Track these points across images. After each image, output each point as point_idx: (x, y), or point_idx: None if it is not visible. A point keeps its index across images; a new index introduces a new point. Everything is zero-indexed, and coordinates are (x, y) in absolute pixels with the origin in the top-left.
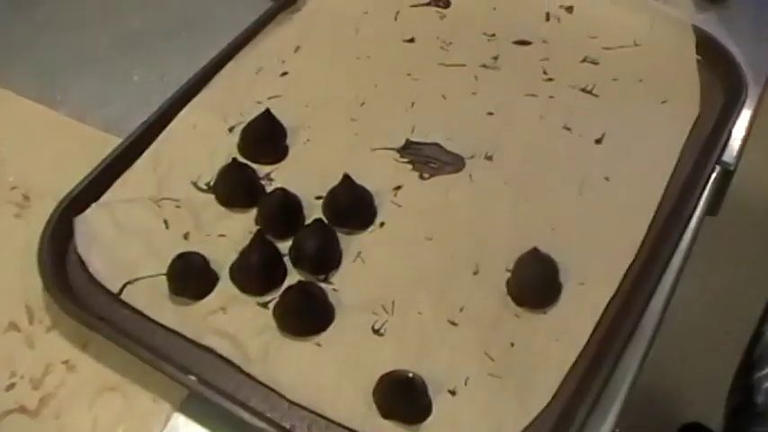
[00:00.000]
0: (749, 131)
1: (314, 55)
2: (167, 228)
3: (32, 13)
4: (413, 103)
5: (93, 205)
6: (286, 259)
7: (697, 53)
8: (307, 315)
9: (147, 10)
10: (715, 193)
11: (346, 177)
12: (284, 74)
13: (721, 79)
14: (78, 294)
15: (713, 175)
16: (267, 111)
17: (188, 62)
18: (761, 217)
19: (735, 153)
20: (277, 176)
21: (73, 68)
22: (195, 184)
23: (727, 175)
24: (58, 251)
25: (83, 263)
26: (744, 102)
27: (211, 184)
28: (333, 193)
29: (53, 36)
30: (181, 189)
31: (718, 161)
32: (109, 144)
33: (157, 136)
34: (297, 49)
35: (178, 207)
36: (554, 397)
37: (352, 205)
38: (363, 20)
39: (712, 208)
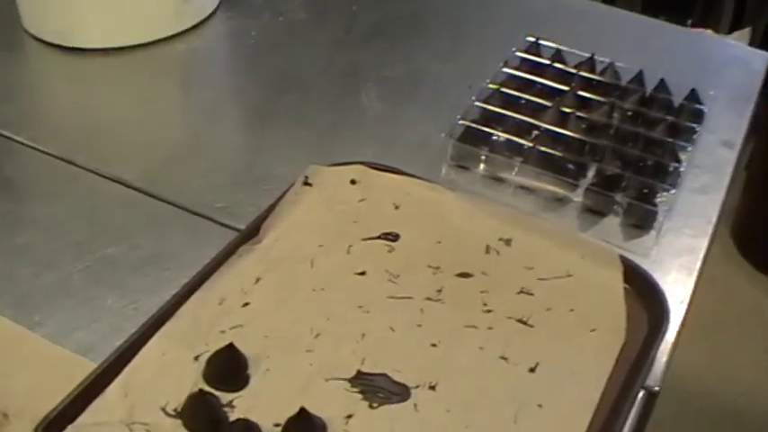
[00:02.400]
0: (672, 354)
1: (273, 287)
2: None
3: (8, 243)
4: (363, 335)
5: (69, 427)
6: None
7: (625, 282)
8: None
9: (120, 244)
10: (640, 417)
11: (302, 410)
12: (246, 304)
13: (647, 306)
14: None
15: (638, 399)
16: (230, 344)
17: (158, 291)
18: None
19: (659, 376)
20: (239, 404)
21: (50, 295)
22: (164, 410)
23: (651, 397)
24: None
25: None
26: (665, 330)
27: (179, 410)
28: (290, 423)
29: (29, 266)
30: (150, 414)
31: (643, 385)
32: (85, 367)
33: (129, 362)
34: (257, 280)
35: (148, 431)
36: None
37: None
38: (319, 253)
39: (637, 430)
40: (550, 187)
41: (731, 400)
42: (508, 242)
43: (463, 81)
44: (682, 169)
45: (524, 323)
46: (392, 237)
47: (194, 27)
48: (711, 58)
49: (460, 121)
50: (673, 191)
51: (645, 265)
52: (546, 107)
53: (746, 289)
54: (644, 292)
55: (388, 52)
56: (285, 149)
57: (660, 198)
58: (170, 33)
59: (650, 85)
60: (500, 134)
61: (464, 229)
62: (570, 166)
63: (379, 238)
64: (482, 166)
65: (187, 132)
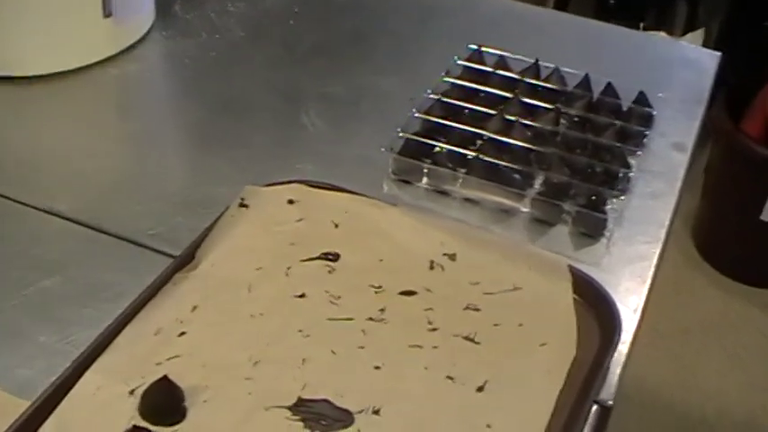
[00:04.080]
0: (626, 366)
1: (210, 314)
2: None
3: None
4: (303, 360)
5: None
6: None
7: (575, 293)
8: None
9: (55, 277)
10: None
11: None
12: (182, 334)
13: (598, 317)
14: None
15: (591, 414)
16: (165, 377)
17: (96, 324)
18: None
19: (612, 390)
20: None
21: None
22: None
23: (605, 411)
24: None
25: None
26: (617, 342)
27: None
28: None
29: None
30: None
31: (596, 400)
32: (18, 406)
33: (62, 399)
34: (194, 308)
35: None
36: None
37: None
38: (257, 277)
39: None
40: (497, 198)
41: (698, 407)
42: (452, 257)
43: (405, 94)
44: (632, 175)
45: (471, 340)
46: (332, 257)
47: (129, 49)
48: (661, 61)
49: (401, 134)
50: (623, 197)
51: (596, 274)
52: (490, 115)
53: (710, 293)
54: (595, 302)
55: (328, 69)
56: (224, 171)
57: (610, 205)
58: (102, 57)
59: (597, 90)
60: (442, 145)
61: (407, 245)
62: (516, 175)
63: (318, 258)
64: (425, 179)
65: (123, 160)
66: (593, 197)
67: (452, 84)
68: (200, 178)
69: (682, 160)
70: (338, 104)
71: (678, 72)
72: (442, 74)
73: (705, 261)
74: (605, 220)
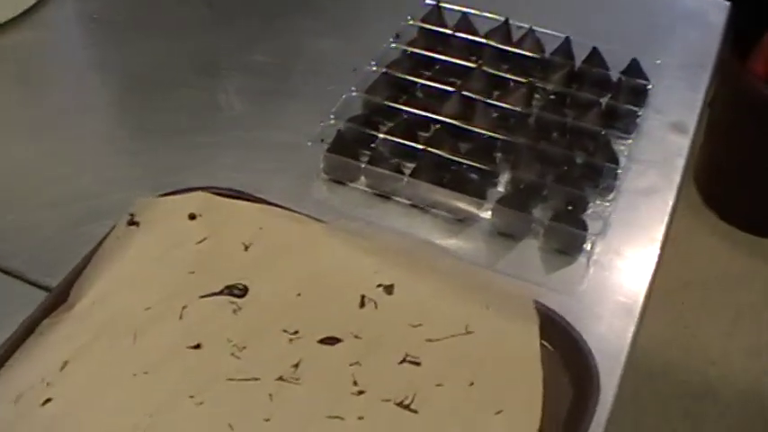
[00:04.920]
0: (607, 425)
1: (84, 373)
2: None
3: None
4: None
5: None
6: None
7: (542, 338)
8: None
9: None
10: None
11: None
12: (47, 401)
13: (569, 367)
14: None
15: None
16: None
17: None
18: None
19: None
20: None
21: None
22: None
23: None
24: None
25: None
26: (595, 403)
27: None
28: None
29: None
30: None
31: None
32: None
33: None
34: (64, 365)
35: None
36: None
37: None
38: (145, 320)
39: None
40: (451, 203)
41: (701, 372)
42: (389, 289)
43: (347, 63)
44: (620, 171)
45: (407, 407)
46: (239, 290)
47: (27, 12)
48: (658, 17)
49: (333, 122)
50: (609, 200)
51: (572, 305)
52: (447, 93)
53: (712, 243)
54: (567, 351)
55: (256, 32)
56: (124, 173)
57: (592, 208)
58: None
59: (580, 57)
60: (385, 136)
61: (332, 274)
62: (474, 175)
63: (221, 293)
64: (363, 179)
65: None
66: (571, 203)
67: (403, 51)
68: (97, 180)
69: (682, 145)
70: (263, 78)
71: (679, 30)
72: (391, 39)
73: (708, 208)
74: (584, 236)
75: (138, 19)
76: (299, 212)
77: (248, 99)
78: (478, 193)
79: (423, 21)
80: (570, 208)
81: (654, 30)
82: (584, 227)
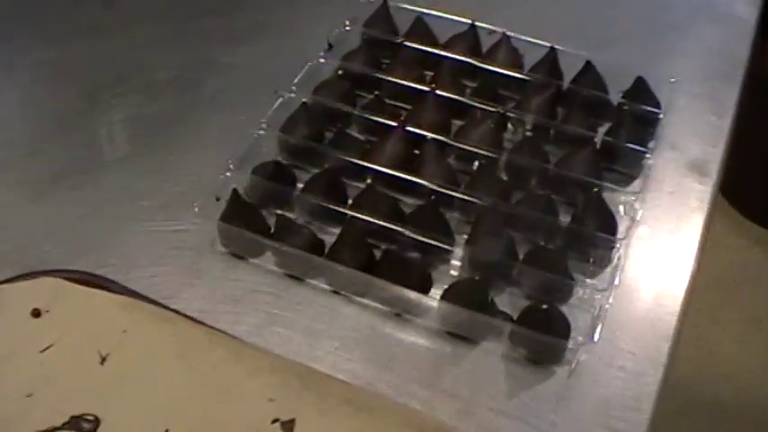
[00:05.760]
0: None
1: None
2: None
3: None
4: None
5: None
6: None
7: None
8: None
9: None
10: None
11: None
12: None
13: None
14: None
15: None
16: None
17: None
18: None
19: None
20: None
21: None
22: None
23: None
24: None
25: None
26: None
27: None
28: None
29: None
30: None
31: None
32: None
33: None
34: None
35: None
36: None
37: None
38: None
39: None
40: (383, 293)
41: (713, 386)
42: (289, 426)
43: (268, 81)
44: (619, 241)
45: None
46: (88, 423)
47: None
48: (670, 13)
49: (227, 175)
50: (602, 290)
51: None
52: (388, 129)
53: (731, 241)
54: None
55: (162, 41)
56: None
57: (579, 298)
58: None
59: (569, 73)
60: (300, 194)
61: (213, 401)
62: (414, 254)
63: (64, 427)
64: (269, 254)
65: None
66: (549, 291)
67: (340, 69)
68: None
69: (702, 194)
70: (162, 101)
71: (697, 30)
72: (321, 53)
73: (728, 203)
74: (564, 344)
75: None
76: (177, 311)
77: (139, 134)
78: (421, 282)
79: (366, 25)
80: (543, 307)
81: (664, 31)
82: (565, 328)
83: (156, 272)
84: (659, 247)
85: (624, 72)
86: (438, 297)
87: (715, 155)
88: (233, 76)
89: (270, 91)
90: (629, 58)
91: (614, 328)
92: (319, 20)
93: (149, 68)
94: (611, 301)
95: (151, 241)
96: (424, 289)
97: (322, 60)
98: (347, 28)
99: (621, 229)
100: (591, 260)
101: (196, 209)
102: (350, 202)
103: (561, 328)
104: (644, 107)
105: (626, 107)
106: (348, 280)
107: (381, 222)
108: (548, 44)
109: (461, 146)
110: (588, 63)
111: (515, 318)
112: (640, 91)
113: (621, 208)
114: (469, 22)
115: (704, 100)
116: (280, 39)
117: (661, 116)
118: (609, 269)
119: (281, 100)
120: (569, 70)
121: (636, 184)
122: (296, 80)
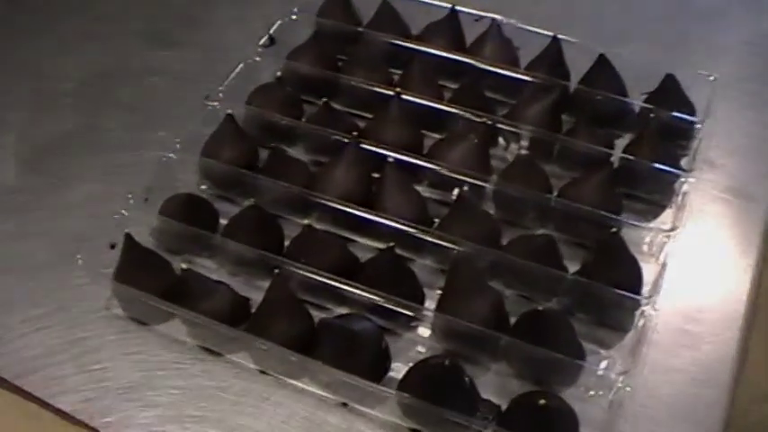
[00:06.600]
0: None
1: None
2: None
3: None
4: None
5: None
6: None
7: None
8: None
9: None
10: None
11: None
12: None
13: None
14: None
15: None
16: None
17: None
18: None
19: None
20: None
21: None
22: None
23: None
24: None
25: None
26: None
27: None
28: None
29: None
30: None
31: None
32: None
33: None
34: None
35: None
36: None
37: None
38: None
39: None
40: (334, 372)
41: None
42: None
43: (197, 83)
44: (645, 303)
45: None
46: None
47: None
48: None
49: (126, 211)
50: (617, 374)
51: None
52: (340, 147)
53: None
54: None
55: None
56: None
57: (585, 379)
58: None
59: (578, 70)
60: (222, 236)
61: None
62: (364, 324)
63: None
64: (177, 321)
65: None
66: (547, 374)
67: (281, 70)
68: None
69: (752, 228)
70: (62, 112)
71: (735, 15)
72: (259, 49)
73: None
74: None
75: None
76: (48, 404)
77: (32, 159)
78: (375, 361)
79: (320, 14)
80: (547, 381)
81: (695, 19)
82: (572, 425)
83: (29, 344)
84: (699, 305)
85: (648, 67)
86: (398, 381)
87: (763, 175)
88: (150, 82)
89: (197, 100)
90: (653, 53)
91: (639, 424)
92: (260, 6)
93: (52, 67)
94: (632, 384)
95: (27, 303)
96: (379, 370)
97: (259, 59)
98: (294, 17)
99: (648, 280)
100: (607, 326)
101: (80, 261)
102: (286, 245)
103: (566, 426)
104: (675, 114)
105: (651, 114)
106: (279, 358)
107: (324, 277)
108: (550, 33)
109: (436, 168)
110: (602, 57)
111: (503, 408)
112: (670, 93)
113: (647, 249)
114: (449, 6)
115: (745, 106)
116: (209, 33)
117: (698, 125)
118: (630, 338)
119: (205, 112)
120: (578, 67)
121: (666, 217)
122: (223, 85)
